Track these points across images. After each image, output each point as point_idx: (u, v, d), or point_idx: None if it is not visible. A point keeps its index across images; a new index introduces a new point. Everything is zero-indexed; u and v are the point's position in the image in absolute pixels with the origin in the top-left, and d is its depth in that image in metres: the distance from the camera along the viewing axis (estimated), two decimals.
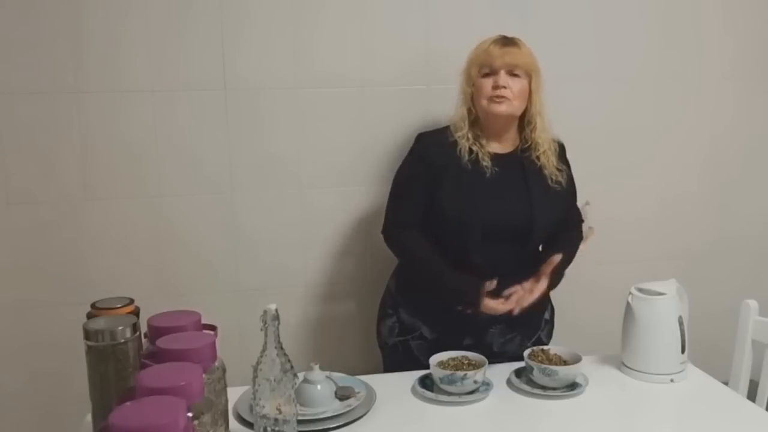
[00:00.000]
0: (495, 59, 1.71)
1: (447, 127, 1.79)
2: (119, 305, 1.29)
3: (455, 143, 1.74)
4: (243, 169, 2.08)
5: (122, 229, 2.03)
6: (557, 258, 1.70)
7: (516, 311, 1.66)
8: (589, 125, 2.27)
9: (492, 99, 1.71)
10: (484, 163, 1.73)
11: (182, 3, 1.97)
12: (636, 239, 2.38)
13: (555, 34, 2.19)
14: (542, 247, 1.82)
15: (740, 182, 2.46)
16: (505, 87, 1.70)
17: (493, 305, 1.65)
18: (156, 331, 1.16)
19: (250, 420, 1.31)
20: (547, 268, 1.69)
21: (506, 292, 1.67)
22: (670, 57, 2.32)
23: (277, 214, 2.12)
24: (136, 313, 1.29)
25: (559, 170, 1.78)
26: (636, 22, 2.28)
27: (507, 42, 1.74)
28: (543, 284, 1.69)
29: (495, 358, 1.65)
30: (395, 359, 1.82)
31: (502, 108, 1.71)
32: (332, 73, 2.09)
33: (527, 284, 1.68)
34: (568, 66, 2.22)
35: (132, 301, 1.32)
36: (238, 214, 2.10)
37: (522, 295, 1.67)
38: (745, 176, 2.46)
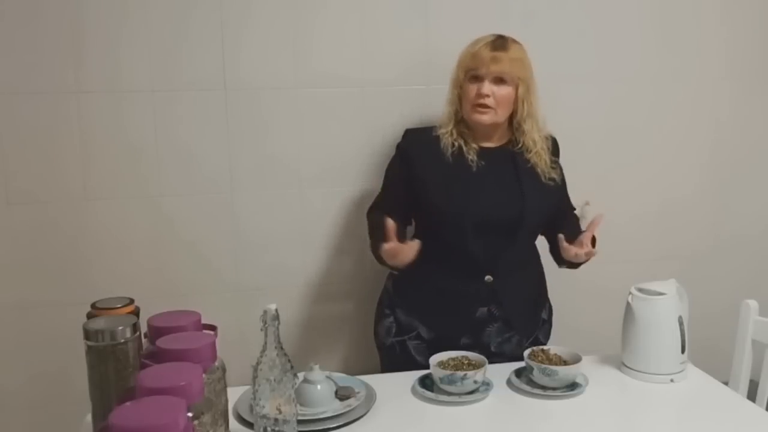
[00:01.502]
0: (482, 66, 1.70)
1: (434, 126, 1.82)
2: (119, 305, 1.29)
3: (438, 139, 1.76)
4: (243, 169, 2.08)
5: (122, 229, 2.03)
6: (599, 219, 1.66)
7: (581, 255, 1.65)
8: (588, 125, 2.27)
9: (475, 107, 1.71)
10: (470, 157, 1.74)
11: (182, 3, 1.97)
12: (636, 239, 2.38)
13: (554, 35, 2.19)
14: (550, 236, 1.81)
15: (740, 182, 2.46)
16: (488, 95, 1.69)
17: (391, 250, 1.63)
18: (156, 331, 1.16)
19: (250, 420, 1.31)
20: (591, 230, 1.66)
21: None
22: (669, 57, 2.32)
23: (277, 214, 2.12)
24: (136, 313, 1.29)
25: (552, 167, 1.79)
26: (635, 22, 2.28)
27: (497, 45, 1.71)
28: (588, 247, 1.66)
29: (493, 358, 1.65)
30: (393, 359, 1.83)
31: (484, 118, 1.72)
32: (332, 73, 2.09)
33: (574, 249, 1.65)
34: (567, 66, 2.22)
35: (132, 301, 1.32)
36: (238, 214, 2.10)
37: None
38: (744, 176, 2.46)
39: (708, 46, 2.35)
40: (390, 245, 1.63)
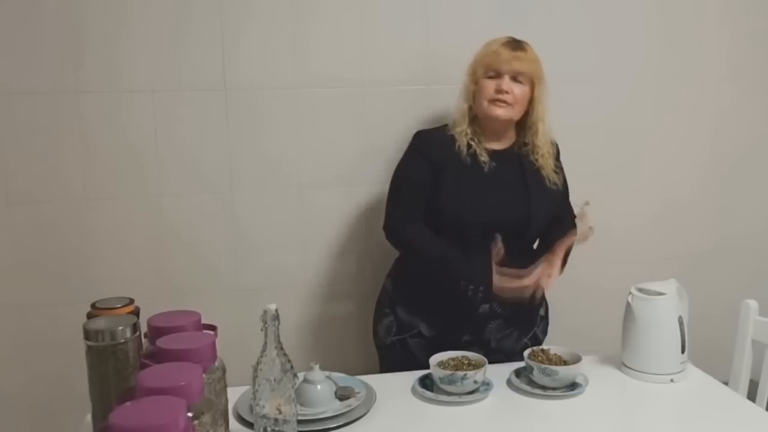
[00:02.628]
0: (502, 63, 1.72)
1: (445, 125, 1.82)
2: (119, 305, 1.29)
3: (453, 139, 1.76)
4: (243, 169, 2.08)
5: (122, 229, 2.03)
6: (569, 240, 1.70)
7: (537, 293, 1.67)
8: (589, 125, 2.27)
9: (493, 102, 1.73)
10: (482, 159, 1.75)
11: (182, 3, 1.97)
12: (636, 239, 2.38)
13: (555, 35, 2.19)
14: (539, 242, 1.83)
15: (740, 182, 2.46)
16: (507, 92, 1.71)
17: (506, 283, 1.65)
18: (156, 331, 1.16)
19: (250, 420, 1.31)
20: (560, 250, 1.69)
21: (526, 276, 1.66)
22: (670, 57, 2.32)
23: (276, 214, 2.12)
24: (136, 313, 1.28)
25: (556, 172, 1.81)
26: (636, 22, 2.28)
27: (516, 46, 1.74)
28: (557, 265, 1.69)
29: (493, 354, 1.66)
30: (393, 359, 1.83)
31: (500, 112, 1.73)
32: (332, 73, 2.09)
33: (541, 267, 1.68)
34: (567, 66, 2.22)
35: (132, 301, 1.31)
36: (238, 214, 2.10)
37: (543, 279, 1.67)
38: (744, 176, 2.46)
39: (709, 46, 2.35)
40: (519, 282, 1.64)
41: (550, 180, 1.79)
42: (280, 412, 1.16)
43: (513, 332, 1.81)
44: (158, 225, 2.05)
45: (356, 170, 2.14)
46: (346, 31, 2.08)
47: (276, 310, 1.14)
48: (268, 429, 1.17)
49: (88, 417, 1.27)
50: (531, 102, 1.76)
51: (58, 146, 1.96)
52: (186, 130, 2.03)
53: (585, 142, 2.24)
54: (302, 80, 2.08)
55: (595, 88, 2.27)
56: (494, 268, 1.64)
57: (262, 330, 1.15)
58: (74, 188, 1.98)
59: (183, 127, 2.03)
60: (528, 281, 1.65)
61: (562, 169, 1.86)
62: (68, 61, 1.93)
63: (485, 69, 1.75)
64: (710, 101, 2.38)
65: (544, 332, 1.90)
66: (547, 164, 1.79)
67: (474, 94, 1.77)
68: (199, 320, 1.22)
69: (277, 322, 1.14)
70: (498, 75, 1.73)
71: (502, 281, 1.65)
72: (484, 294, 1.67)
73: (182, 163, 2.04)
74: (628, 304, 1.61)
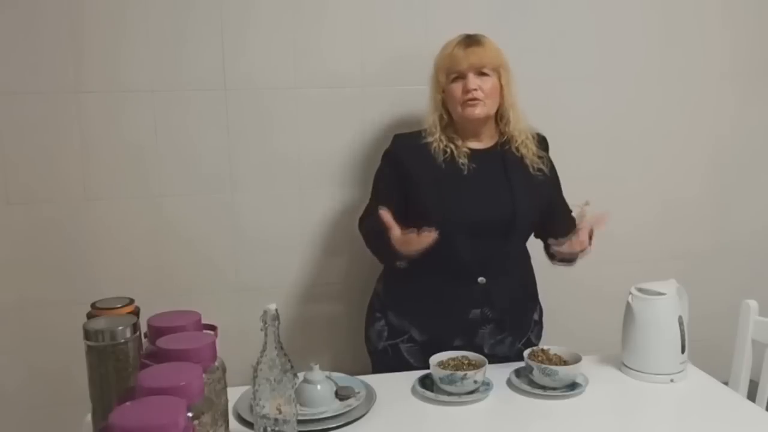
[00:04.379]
0: (460, 62, 1.71)
1: (423, 130, 1.80)
2: (119, 305, 1.29)
3: (428, 146, 1.75)
4: (243, 169, 2.08)
5: (123, 229, 2.03)
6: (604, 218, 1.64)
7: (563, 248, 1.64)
8: (589, 126, 2.27)
9: (465, 103, 1.71)
10: (461, 161, 1.73)
11: (182, 3, 1.97)
12: (637, 240, 2.38)
13: (555, 36, 2.19)
14: (544, 236, 1.80)
15: (741, 183, 2.46)
16: (476, 89, 1.69)
17: (404, 237, 1.57)
18: (156, 331, 1.16)
19: (250, 420, 1.31)
20: (594, 226, 1.64)
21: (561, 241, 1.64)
22: (671, 58, 2.32)
23: (277, 214, 2.12)
24: (136, 313, 1.29)
25: (539, 157, 1.78)
26: (636, 23, 2.28)
27: (470, 42, 1.73)
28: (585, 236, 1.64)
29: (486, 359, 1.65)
30: (386, 363, 1.81)
31: (477, 111, 1.71)
32: (332, 73, 2.09)
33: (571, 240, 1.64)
34: (567, 67, 2.22)
35: (132, 301, 1.32)
36: (239, 214, 2.10)
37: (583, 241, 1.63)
38: (746, 177, 2.46)
39: (710, 46, 2.35)
40: (400, 234, 1.57)
41: (534, 167, 1.76)
42: (280, 412, 1.16)
43: (506, 337, 1.80)
44: (158, 225, 2.05)
45: (356, 170, 2.14)
46: (347, 30, 2.08)
47: (276, 310, 1.14)
48: (268, 429, 1.17)
49: (89, 417, 1.27)
50: (500, 91, 1.74)
51: (58, 146, 1.96)
52: (186, 130, 2.03)
53: (586, 143, 2.24)
54: (302, 80, 2.08)
55: (597, 89, 2.27)
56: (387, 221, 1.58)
57: (262, 330, 1.15)
58: (74, 188, 1.98)
59: (183, 127, 2.03)
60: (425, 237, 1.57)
61: (550, 160, 1.83)
62: (68, 61, 1.93)
63: (447, 74, 1.74)
64: (712, 101, 2.38)
65: (538, 337, 1.89)
66: (528, 151, 1.77)
67: (443, 102, 1.76)
68: (199, 320, 1.23)
69: (277, 322, 1.15)
70: (461, 75, 1.71)
71: (400, 240, 1.58)
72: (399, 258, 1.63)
73: (182, 163, 2.04)
74: (628, 304, 1.61)
